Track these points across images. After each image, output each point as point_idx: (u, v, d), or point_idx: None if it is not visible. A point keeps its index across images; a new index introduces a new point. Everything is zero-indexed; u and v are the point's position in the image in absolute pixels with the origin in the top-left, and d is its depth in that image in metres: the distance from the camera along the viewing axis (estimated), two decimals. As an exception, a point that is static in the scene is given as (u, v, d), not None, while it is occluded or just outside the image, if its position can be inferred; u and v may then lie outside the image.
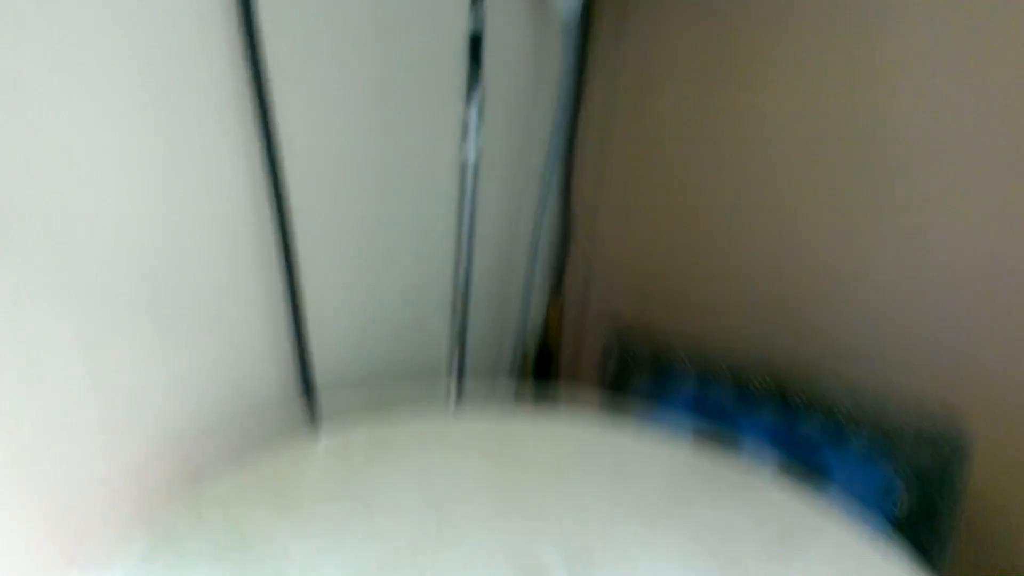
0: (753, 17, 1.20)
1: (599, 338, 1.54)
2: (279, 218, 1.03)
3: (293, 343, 1.11)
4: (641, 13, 1.34)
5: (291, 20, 0.96)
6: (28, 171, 0.79)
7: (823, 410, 1.18)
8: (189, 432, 1.01)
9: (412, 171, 1.18)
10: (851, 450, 1.15)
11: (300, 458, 0.96)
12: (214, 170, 0.95)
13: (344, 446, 0.99)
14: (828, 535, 0.90)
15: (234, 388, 1.05)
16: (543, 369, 1.55)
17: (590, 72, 1.43)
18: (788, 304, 1.26)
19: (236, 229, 0.99)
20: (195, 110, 0.90)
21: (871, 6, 1.08)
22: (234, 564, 0.76)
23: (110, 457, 0.94)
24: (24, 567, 0.88)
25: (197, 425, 1.02)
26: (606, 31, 1.39)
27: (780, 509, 0.95)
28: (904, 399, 1.15)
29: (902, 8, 1.05)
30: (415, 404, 1.12)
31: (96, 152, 0.84)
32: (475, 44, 1.09)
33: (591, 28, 1.39)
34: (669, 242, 1.40)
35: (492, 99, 1.25)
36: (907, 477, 1.11)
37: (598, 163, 1.46)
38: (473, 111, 1.12)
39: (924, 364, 1.12)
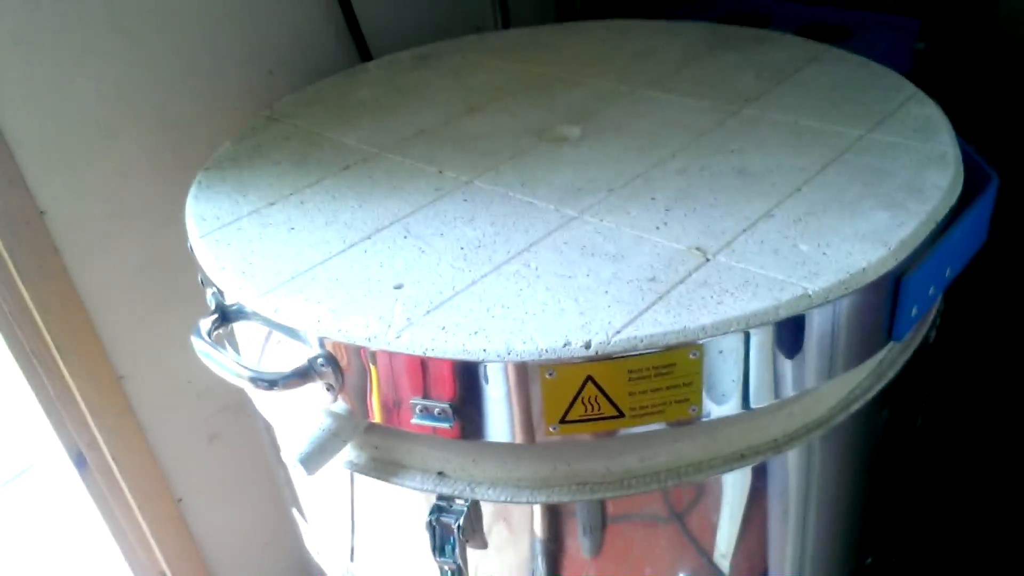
0: None
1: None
2: None
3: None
4: None
5: None
6: None
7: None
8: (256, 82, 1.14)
9: None
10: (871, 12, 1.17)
11: (352, 76, 1.10)
12: None
13: (392, 62, 1.12)
14: (829, 68, 0.96)
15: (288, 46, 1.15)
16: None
17: None
18: None
19: None
20: None
21: None
22: (301, 148, 0.93)
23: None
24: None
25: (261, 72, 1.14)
26: None
27: (786, 52, 1.01)
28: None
29: None
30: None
31: None
32: None
33: None
34: None
35: None
36: (929, 26, 1.14)
37: None
38: None
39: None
